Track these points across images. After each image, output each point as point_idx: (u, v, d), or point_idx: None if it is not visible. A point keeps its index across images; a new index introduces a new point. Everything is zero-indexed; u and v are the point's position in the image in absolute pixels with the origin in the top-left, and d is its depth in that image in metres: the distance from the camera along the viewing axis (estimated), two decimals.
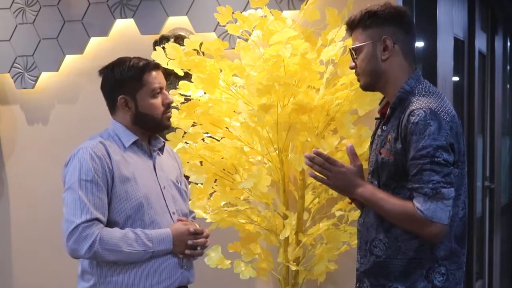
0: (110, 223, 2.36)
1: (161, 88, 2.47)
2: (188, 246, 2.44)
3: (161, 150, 2.57)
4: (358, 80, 2.31)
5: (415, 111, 2.10)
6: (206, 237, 2.49)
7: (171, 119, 3.08)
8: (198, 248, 2.47)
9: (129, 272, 2.37)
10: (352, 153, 2.28)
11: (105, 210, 2.34)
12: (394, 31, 2.22)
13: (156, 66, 2.48)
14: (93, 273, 2.38)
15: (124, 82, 2.43)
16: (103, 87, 2.50)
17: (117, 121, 2.48)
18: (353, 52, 2.26)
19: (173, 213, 2.49)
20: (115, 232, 2.33)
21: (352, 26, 2.26)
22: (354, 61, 2.27)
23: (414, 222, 2.08)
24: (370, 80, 2.26)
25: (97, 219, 2.31)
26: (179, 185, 2.59)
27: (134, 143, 2.46)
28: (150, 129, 2.50)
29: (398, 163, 2.14)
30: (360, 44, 2.23)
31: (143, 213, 2.39)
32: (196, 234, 2.45)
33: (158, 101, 2.45)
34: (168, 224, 2.44)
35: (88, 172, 2.32)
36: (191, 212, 2.73)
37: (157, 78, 2.46)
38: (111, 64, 2.49)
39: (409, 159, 2.10)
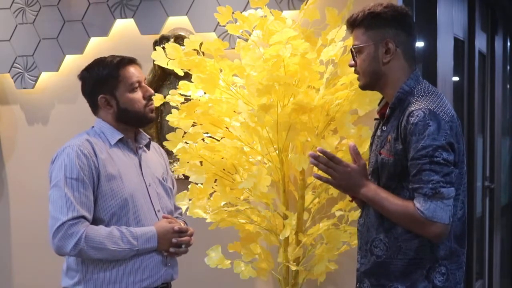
0: (95, 221, 2.38)
1: (139, 82, 2.48)
2: (172, 244, 2.46)
3: (147, 146, 2.59)
4: (358, 79, 2.31)
5: (414, 112, 2.10)
6: (191, 235, 2.52)
7: (171, 119, 3.10)
8: (183, 246, 2.49)
9: (113, 269, 2.39)
10: (356, 152, 2.27)
11: (91, 207, 2.35)
12: (397, 33, 2.21)
13: (132, 61, 2.50)
14: (78, 270, 2.40)
15: (102, 81, 2.46)
16: (83, 90, 2.53)
17: (101, 119, 2.50)
18: (354, 51, 2.26)
19: (158, 210, 2.51)
20: (101, 230, 2.34)
21: (354, 24, 2.25)
22: (354, 60, 2.27)
23: (415, 222, 2.08)
24: (370, 80, 2.26)
25: (83, 217, 2.33)
26: (165, 182, 2.60)
27: (120, 140, 2.48)
28: (135, 124, 2.52)
29: (398, 164, 2.14)
30: (361, 45, 2.22)
31: (128, 211, 2.41)
32: (181, 232, 2.48)
33: (138, 95, 2.47)
34: (152, 222, 2.46)
35: (74, 170, 2.34)
36: (178, 208, 2.75)
37: (134, 73, 2.47)
38: (88, 66, 2.53)
39: (409, 159, 2.10)
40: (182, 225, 2.52)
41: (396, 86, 2.22)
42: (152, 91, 2.51)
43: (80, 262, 2.39)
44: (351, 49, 2.27)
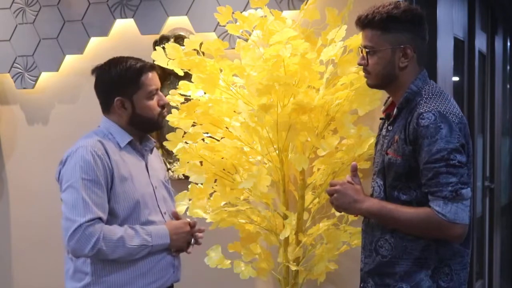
0: (107, 222, 2.36)
1: (156, 90, 2.48)
2: (186, 242, 2.49)
3: (151, 150, 2.58)
4: (365, 76, 2.28)
5: (424, 114, 2.09)
6: (201, 231, 2.56)
7: (171, 119, 3.11)
8: (192, 242, 2.52)
9: (124, 272, 2.38)
10: (353, 170, 2.28)
11: (106, 208, 2.35)
12: (414, 38, 2.18)
13: (152, 68, 2.49)
14: (88, 273, 2.37)
15: (121, 84, 2.43)
16: (97, 86, 2.50)
17: (110, 120, 2.48)
18: (366, 51, 2.21)
19: (164, 213, 2.53)
20: (116, 229, 2.34)
21: (369, 24, 2.20)
22: (366, 59, 2.23)
23: (437, 226, 2.08)
24: (382, 82, 2.25)
25: (100, 218, 2.31)
26: (167, 184, 2.63)
27: (129, 143, 2.47)
28: (145, 129, 2.52)
29: (406, 164, 2.14)
30: (379, 49, 2.18)
31: (139, 213, 2.41)
32: (192, 227, 2.52)
33: (154, 102, 2.47)
34: (161, 224, 2.47)
35: (90, 171, 2.32)
36: None
37: (153, 80, 2.47)
38: (107, 64, 2.49)
39: (422, 163, 2.08)
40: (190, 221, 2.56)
41: (405, 87, 2.21)
42: (166, 100, 2.53)
43: (90, 264, 2.37)
44: (362, 48, 2.23)
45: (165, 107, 2.52)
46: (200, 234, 2.57)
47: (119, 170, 2.38)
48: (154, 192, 2.49)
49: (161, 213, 2.50)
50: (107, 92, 2.47)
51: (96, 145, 2.37)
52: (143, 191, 2.44)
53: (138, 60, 2.48)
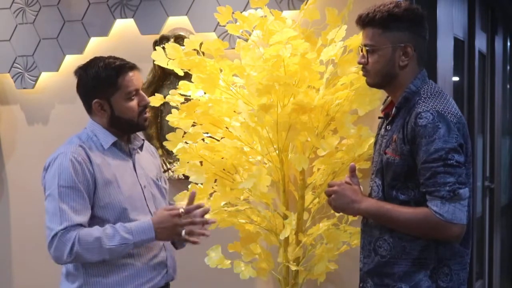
0: (95, 225, 2.32)
1: (136, 90, 2.40)
2: (175, 233, 2.32)
3: (140, 147, 2.54)
4: (364, 75, 2.28)
5: (422, 113, 2.09)
6: (203, 212, 2.34)
7: (171, 119, 3.10)
8: (183, 232, 2.32)
9: (116, 273, 2.35)
10: (351, 170, 2.28)
11: (86, 214, 2.29)
12: (414, 37, 2.19)
13: (132, 67, 2.41)
14: (78, 275, 2.36)
15: (98, 86, 2.37)
16: (78, 89, 2.44)
17: (95, 121, 2.43)
18: (366, 49, 2.22)
19: (154, 213, 2.46)
20: (93, 231, 2.27)
21: (370, 23, 2.20)
22: (366, 58, 2.23)
23: (435, 226, 2.08)
24: (381, 81, 2.25)
25: (79, 224, 2.27)
26: (159, 182, 2.56)
27: (113, 143, 2.42)
28: (128, 131, 2.46)
29: (404, 164, 2.14)
30: (379, 47, 2.19)
31: (126, 215, 2.36)
32: (187, 213, 2.32)
33: (133, 103, 2.39)
34: None
35: (68, 178, 2.28)
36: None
37: (132, 81, 2.39)
38: (86, 64, 2.43)
39: (419, 162, 2.08)
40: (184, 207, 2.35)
41: (404, 87, 2.21)
42: (148, 100, 2.45)
43: (81, 267, 2.35)
44: (362, 46, 2.23)
45: (147, 108, 2.44)
46: (206, 224, 2.34)
47: (102, 174, 2.33)
48: (143, 192, 2.45)
49: (150, 212, 2.44)
50: (86, 94, 2.41)
51: (76, 151, 2.32)
52: (130, 192, 2.39)
53: (117, 59, 2.40)
